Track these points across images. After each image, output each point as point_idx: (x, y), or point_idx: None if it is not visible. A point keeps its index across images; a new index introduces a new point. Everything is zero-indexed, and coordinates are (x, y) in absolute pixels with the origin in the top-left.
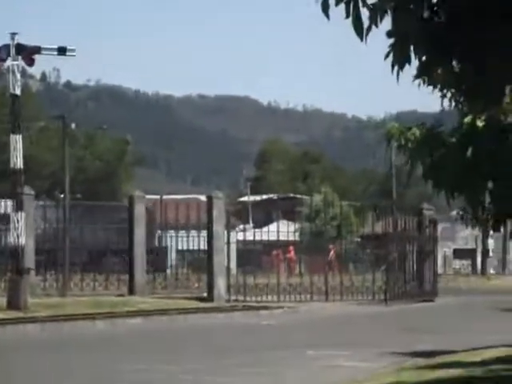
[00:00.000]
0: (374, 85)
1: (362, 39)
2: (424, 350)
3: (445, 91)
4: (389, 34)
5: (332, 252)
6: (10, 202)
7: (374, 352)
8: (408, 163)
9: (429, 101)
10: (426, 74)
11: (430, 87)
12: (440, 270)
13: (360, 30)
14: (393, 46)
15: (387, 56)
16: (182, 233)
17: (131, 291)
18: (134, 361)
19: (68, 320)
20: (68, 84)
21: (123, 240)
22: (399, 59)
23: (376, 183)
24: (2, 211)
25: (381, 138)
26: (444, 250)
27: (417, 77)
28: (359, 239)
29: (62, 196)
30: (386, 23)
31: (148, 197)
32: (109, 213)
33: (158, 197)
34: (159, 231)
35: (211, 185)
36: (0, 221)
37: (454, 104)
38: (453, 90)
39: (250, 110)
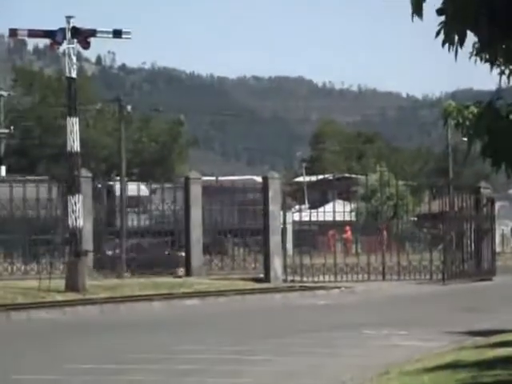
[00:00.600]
0: (428, 63)
1: (419, 16)
2: (482, 329)
3: (503, 68)
4: (439, 12)
5: (384, 232)
6: (142, 186)
7: (431, 331)
8: (466, 141)
9: (485, 78)
10: (486, 50)
11: (487, 64)
12: (498, 249)
13: (418, 7)
14: (445, 24)
15: (438, 34)
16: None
17: (188, 272)
18: (191, 342)
19: (126, 301)
20: (123, 67)
21: (244, 221)
22: (453, 37)
23: (432, 162)
24: (135, 194)
25: (437, 116)
26: (502, 228)
27: (477, 54)
28: (416, 219)
29: (119, 178)
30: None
31: (204, 178)
32: (230, 194)
33: (213, 178)
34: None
35: (266, 166)
36: (132, 204)
37: None
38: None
39: (304, 90)
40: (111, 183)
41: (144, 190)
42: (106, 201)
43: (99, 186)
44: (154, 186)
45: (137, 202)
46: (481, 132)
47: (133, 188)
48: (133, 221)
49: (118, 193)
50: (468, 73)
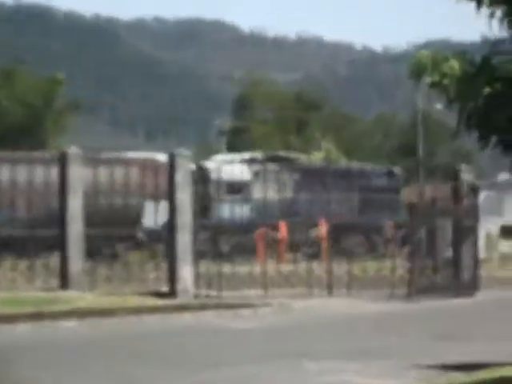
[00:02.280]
0: (390, 4)
1: None
2: (461, 362)
3: (493, 8)
4: None
5: (322, 229)
6: (246, 167)
7: (393, 364)
8: (442, 107)
9: (467, 27)
10: None
11: (472, 5)
12: (482, 254)
13: None
14: None
15: None
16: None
17: (63, 284)
18: (68, 374)
19: None
20: None
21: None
22: None
23: (396, 136)
24: (236, 179)
25: (402, 74)
26: (488, 226)
27: None
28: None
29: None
30: None
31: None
32: (335, 178)
33: (100, 155)
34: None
35: (172, 140)
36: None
37: (507, 25)
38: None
39: (225, 38)
40: (205, 165)
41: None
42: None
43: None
44: (256, 167)
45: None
46: (474, 95)
47: (228, 170)
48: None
49: (215, 176)
50: (444, 19)
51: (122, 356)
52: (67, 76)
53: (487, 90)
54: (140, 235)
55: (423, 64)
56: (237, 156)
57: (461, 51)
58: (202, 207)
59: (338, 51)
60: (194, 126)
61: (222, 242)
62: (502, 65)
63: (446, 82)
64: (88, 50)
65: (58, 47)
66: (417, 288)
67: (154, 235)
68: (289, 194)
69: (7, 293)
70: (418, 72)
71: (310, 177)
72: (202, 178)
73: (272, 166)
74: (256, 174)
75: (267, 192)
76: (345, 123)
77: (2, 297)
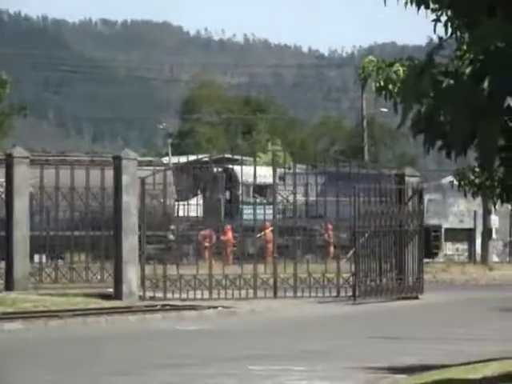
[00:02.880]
0: (337, 8)
1: None
2: (406, 363)
3: (438, 14)
4: None
5: (268, 232)
6: (269, 171)
7: (338, 366)
8: (385, 111)
9: (412, 30)
10: None
11: (417, 11)
12: (426, 257)
13: None
14: None
15: None
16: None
17: (9, 285)
18: None
19: None
20: None
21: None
22: None
23: (341, 140)
24: (262, 181)
25: (348, 78)
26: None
27: None
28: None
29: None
30: None
31: (33, 156)
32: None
33: (46, 157)
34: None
35: (118, 141)
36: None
37: (450, 30)
38: (450, 11)
39: (171, 40)
40: (230, 166)
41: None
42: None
43: (218, 169)
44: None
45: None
46: (418, 95)
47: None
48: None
49: (242, 178)
50: (390, 23)
51: (47, 361)
52: (14, 78)
53: (431, 91)
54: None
55: (368, 69)
56: (183, 158)
57: (407, 57)
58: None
59: (285, 54)
60: (140, 128)
61: (248, 243)
62: (450, 62)
63: (390, 87)
64: (35, 51)
65: (5, 49)
66: (361, 290)
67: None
68: (314, 196)
69: None
70: (363, 77)
71: (337, 179)
72: (229, 180)
73: (298, 169)
74: (282, 177)
75: (290, 194)
76: (291, 126)
77: None
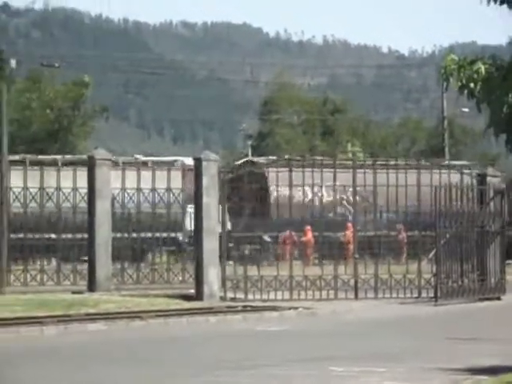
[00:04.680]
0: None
1: None
2: (487, 364)
3: None
4: None
5: (349, 233)
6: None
7: (419, 367)
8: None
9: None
10: None
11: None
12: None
13: None
14: None
15: None
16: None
17: (91, 286)
18: (87, 381)
19: (4, 326)
20: (5, 7)
21: None
22: None
23: (422, 140)
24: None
25: (429, 78)
26: None
27: None
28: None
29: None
30: None
31: (114, 158)
32: None
33: (128, 158)
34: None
35: (199, 143)
36: None
37: None
38: None
39: (250, 42)
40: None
41: None
42: None
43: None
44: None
45: None
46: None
47: None
48: None
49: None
50: (470, 22)
51: (129, 361)
52: (95, 80)
53: None
54: (181, 239)
55: (450, 67)
56: (262, 160)
57: (489, 55)
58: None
59: (364, 55)
60: (220, 129)
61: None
62: None
63: (472, 85)
64: (116, 54)
65: (86, 51)
66: (443, 291)
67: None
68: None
69: (36, 295)
70: (445, 76)
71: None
72: None
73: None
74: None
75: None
76: (370, 127)
77: (31, 299)
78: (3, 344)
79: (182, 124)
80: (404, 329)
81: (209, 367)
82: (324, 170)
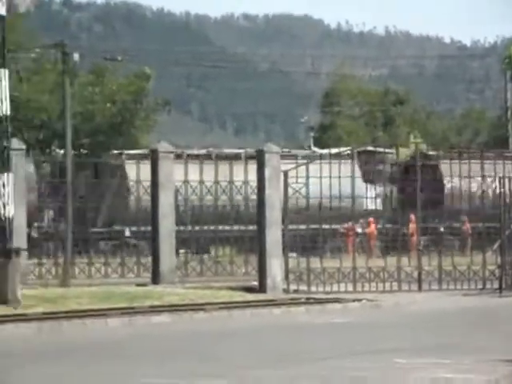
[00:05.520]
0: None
1: None
2: None
3: None
4: None
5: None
6: None
7: (484, 360)
8: None
9: None
10: None
11: None
12: None
13: None
14: None
15: None
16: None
17: (155, 278)
18: (157, 374)
19: (71, 318)
20: (67, 2)
21: None
22: None
23: (485, 131)
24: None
25: (492, 68)
26: None
27: None
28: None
29: (62, 152)
30: None
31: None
32: None
33: (191, 151)
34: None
35: (260, 135)
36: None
37: None
38: None
39: (312, 34)
40: None
41: None
42: None
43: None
44: None
45: None
46: None
47: None
48: None
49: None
50: None
51: (193, 354)
52: (157, 73)
53: None
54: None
55: None
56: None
57: None
58: None
59: (426, 45)
60: (282, 121)
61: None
62: None
63: None
64: (178, 47)
65: (148, 45)
66: (508, 283)
67: None
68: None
69: (100, 288)
70: (508, 66)
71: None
72: None
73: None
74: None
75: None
76: (432, 118)
77: (95, 291)
78: (69, 336)
79: (243, 117)
80: (468, 321)
81: (274, 359)
82: None
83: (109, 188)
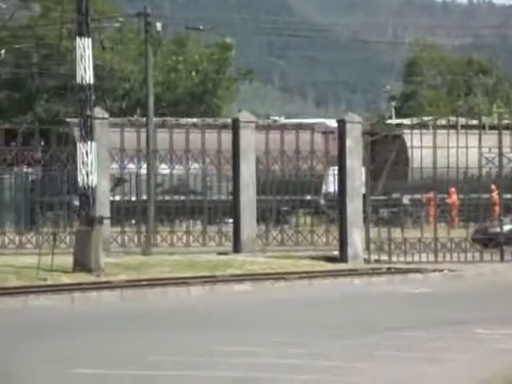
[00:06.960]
0: None
1: None
2: None
3: None
4: None
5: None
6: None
7: None
8: None
9: None
10: None
11: None
12: None
13: None
14: None
15: None
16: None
17: (236, 248)
18: (240, 341)
19: (154, 286)
20: None
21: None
22: None
23: None
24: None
25: None
26: None
27: None
28: None
29: (145, 119)
30: None
31: (258, 121)
32: None
33: (270, 120)
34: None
35: (342, 105)
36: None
37: None
38: None
39: (393, 2)
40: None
41: None
42: None
43: None
44: None
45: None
46: None
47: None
48: None
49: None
50: None
51: (272, 322)
52: (239, 43)
53: None
54: (321, 201)
55: None
56: (406, 121)
57: None
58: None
59: (510, 15)
60: (363, 91)
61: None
62: None
63: None
64: (259, 16)
65: (230, 14)
66: None
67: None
68: None
69: (182, 256)
70: None
71: None
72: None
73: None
74: None
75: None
76: None
77: (177, 260)
78: (152, 303)
79: (324, 87)
80: None
81: (355, 329)
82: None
83: None
